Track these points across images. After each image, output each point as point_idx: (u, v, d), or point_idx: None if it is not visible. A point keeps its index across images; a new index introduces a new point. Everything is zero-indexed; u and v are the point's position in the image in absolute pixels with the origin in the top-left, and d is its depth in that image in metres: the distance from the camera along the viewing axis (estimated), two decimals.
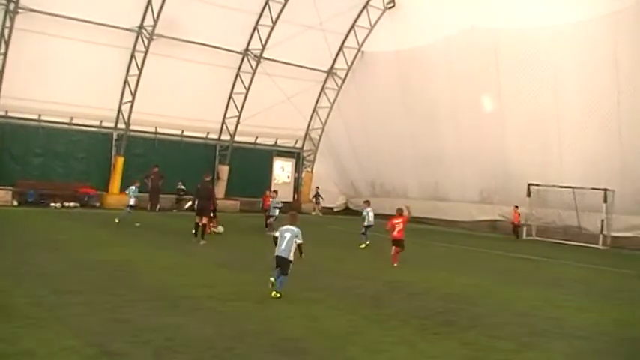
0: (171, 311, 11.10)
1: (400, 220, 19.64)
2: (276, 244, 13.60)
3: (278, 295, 12.93)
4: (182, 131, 38.32)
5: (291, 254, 13.39)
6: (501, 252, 25.60)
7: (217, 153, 40.12)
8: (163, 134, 37.70)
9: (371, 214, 24.87)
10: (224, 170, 39.45)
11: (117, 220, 26.21)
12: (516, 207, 32.97)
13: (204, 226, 22.53)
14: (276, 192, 30.37)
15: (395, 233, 19.54)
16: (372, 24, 40.43)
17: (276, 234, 13.83)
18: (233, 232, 24.75)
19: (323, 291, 14.09)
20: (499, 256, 24.59)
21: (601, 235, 30.23)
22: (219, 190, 39.31)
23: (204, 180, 24.20)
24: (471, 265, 21.66)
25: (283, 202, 40.38)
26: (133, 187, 27.60)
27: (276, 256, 13.47)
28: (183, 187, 35.99)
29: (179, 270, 15.89)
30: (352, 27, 40.62)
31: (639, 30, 28.12)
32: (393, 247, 19.65)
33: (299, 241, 13.57)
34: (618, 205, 30.20)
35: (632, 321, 13.24)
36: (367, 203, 25.89)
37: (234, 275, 15.75)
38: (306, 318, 11.32)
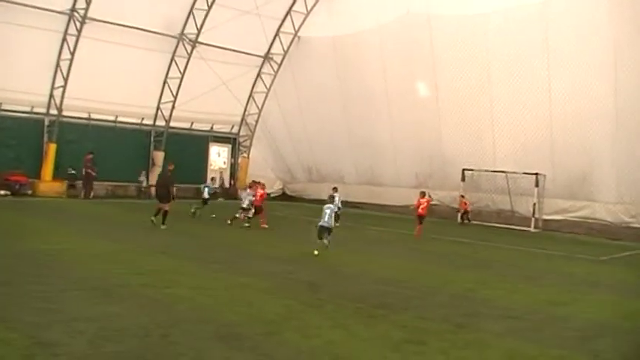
0: (105, 300, 10.99)
1: (425, 200, 25.73)
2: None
3: (327, 247, 18.25)
4: (116, 117, 37.59)
5: (332, 223, 18.81)
6: (436, 235, 25.93)
7: (152, 139, 39.56)
8: (97, 120, 36.86)
9: (337, 200, 25.53)
10: (159, 156, 38.95)
11: (213, 216, 27.46)
12: (462, 196, 33.20)
13: (165, 212, 23.05)
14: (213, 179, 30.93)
15: (420, 210, 25.50)
16: (309, 9, 40.33)
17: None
18: (169, 219, 24.55)
19: (259, 277, 14.13)
20: (434, 240, 24.92)
21: (533, 219, 30.92)
22: (154, 176, 38.86)
23: (167, 168, 25.18)
24: (406, 248, 21.95)
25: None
26: (209, 183, 30.56)
27: (320, 226, 18.44)
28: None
29: (114, 258, 15.66)
30: (288, 12, 40.43)
31: (569, 16, 28.70)
32: (418, 222, 25.41)
33: (336, 210, 19.73)
34: (549, 189, 30.94)
35: (560, 300, 13.66)
36: (335, 189, 27.07)
37: (170, 262, 15.62)
38: (241, 304, 11.33)
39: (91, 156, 34.61)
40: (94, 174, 34.73)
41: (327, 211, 18.63)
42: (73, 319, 9.53)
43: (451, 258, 20.08)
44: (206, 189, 29.20)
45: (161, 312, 10.38)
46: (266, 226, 25.41)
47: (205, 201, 28.75)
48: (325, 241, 18.34)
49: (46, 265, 13.92)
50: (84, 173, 34.58)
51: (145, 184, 37.82)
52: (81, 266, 14.17)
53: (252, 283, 13.36)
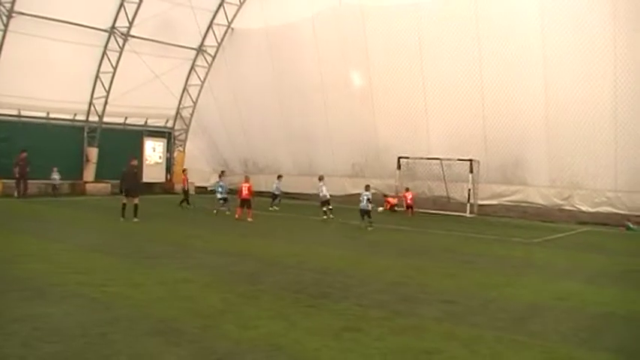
0: (39, 300, 10.80)
1: (409, 193, 32.08)
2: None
3: (371, 228, 24.00)
4: (48, 113, 36.75)
5: (370, 206, 24.27)
6: (374, 224, 26.16)
7: (86, 135, 38.79)
8: (28, 117, 36.00)
9: (324, 189, 28.19)
10: (93, 152, 38.31)
11: (215, 211, 28.94)
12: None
13: (136, 205, 24.36)
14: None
15: (408, 201, 31.91)
16: (241, 0, 40.10)
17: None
18: (104, 216, 24.30)
19: (196, 271, 14.10)
20: (371, 229, 25.13)
21: (468, 204, 31.41)
22: (89, 173, 38.28)
23: (130, 164, 25.67)
24: (343, 238, 22.14)
25: (154, 183, 40.03)
26: (221, 183, 30.12)
27: (361, 209, 24.23)
28: None
29: (47, 257, 15.43)
30: (221, 3, 40.07)
31: (497, 4, 29.26)
32: (409, 209, 31.67)
33: (370, 197, 24.44)
34: (483, 174, 31.51)
35: (495, 283, 13.97)
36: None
37: (105, 260, 15.42)
38: (179, 299, 11.28)
39: (25, 154, 33.75)
40: (17, 172, 33.76)
41: (364, 198, 24.15)
42: (7, 321, 9.36)
43: (388, 246, 20.32)
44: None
45: (98, 310, 10.26)
46: (251, 220, 26.01)
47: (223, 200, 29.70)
48: (365, 221, 24.16)
49: None
50: (17, 173, 33.70)
51: (58, 181, 36.23)
52: (13, 266, 13.91)
53: (190, 277, 13.30)
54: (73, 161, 37.88)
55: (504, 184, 31.38)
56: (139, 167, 25.34)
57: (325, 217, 26.99)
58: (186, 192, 32.06)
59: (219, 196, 29.33)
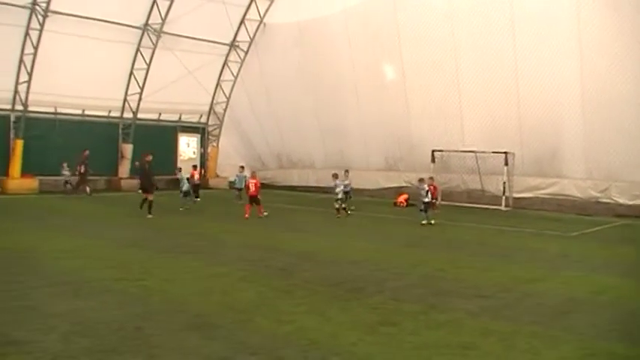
0: (77, 295, 10.93)
1: (433, 185, 27.22)
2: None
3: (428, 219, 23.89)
4: (83, 110, 37.12)
5: (429, 199, 24.37)
6: (408, 217, 26.01)
7: (120, 131, 39.16)
8: (64, 114, 36.35)
9: (341, 187, 26.67)
10: (128, 149, 38.65)
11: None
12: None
13: (150, 201, 24.16)
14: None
15: (434, 193, 27.42)
16: None
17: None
18: (138, 212, 24.45)
19: (231, 265, 14.14)
20: (405, 222, 25.00)
21: (503, 197, 31.08)
22: (124, 169, 38.60)
23: (144, 160, 25.74)
24: (377, 232, 22.03)
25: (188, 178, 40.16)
26: (239, 174, 32.10)
27: (423, 202, 24.15)
28: None
29: (84, 253, 15.58)
30: None
31: None
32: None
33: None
34: (519, 167, 31.14)
35: (532, 277, 13.79)
36: (335, 176, 27.24)
37: (142, 255, 15.54)
38: (215, 293, 11.34)
39: (87, 152, 33.98)
40: (82, 171, 33.95)
41: (423, 192, 24.20)
42: (45, 316, 9.48)
43: (422, 239, 20.18)
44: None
45: (135, 305, 10.35)
46: (263, 215, 25.39)
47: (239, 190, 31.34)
48: (427, 214, 24.02)
49: (16, 263, 13.80)
50: (82, 170, 33.99)
51: (68, 177, 34.99)
52: (52, 262, 14.09)
53: (225, 272, 13.36)
54: (109, 157, 38.21)
55: (540, 177, 30.97)
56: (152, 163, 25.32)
57: (349, 212, 26.47)
58: (195, 186, 31.63)
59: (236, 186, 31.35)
